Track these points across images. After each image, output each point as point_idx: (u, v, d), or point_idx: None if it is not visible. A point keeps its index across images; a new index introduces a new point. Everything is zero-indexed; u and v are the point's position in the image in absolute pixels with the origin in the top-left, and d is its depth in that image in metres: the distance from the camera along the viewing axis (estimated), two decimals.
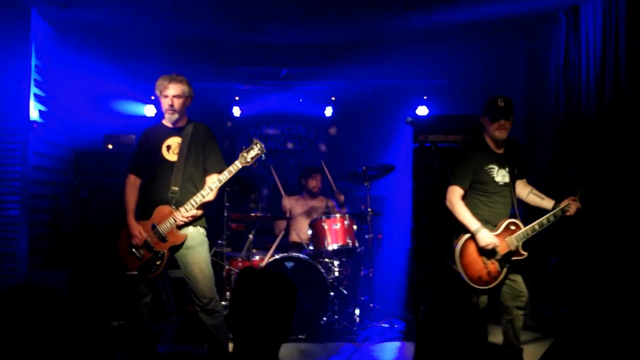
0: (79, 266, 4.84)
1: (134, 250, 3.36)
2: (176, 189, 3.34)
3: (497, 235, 3.30)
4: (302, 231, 5.18)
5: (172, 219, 3.30)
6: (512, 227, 3.33)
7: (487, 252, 3.27)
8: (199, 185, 3.39)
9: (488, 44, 5.65)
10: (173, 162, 3.38)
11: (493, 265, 3.28)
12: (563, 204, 3.32)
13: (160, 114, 3.69)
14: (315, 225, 4.75)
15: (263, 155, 3.33)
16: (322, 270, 4.42)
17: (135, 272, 3.34)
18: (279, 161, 6.72)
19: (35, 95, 4.80)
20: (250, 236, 4.65)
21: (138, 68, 5.87)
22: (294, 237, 5.32)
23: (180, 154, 3.39)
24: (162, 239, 3.32)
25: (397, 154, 6.03)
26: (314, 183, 5.35)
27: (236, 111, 6.48)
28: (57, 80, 5.20)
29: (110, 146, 5.28)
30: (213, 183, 3.30)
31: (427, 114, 6.22)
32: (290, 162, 6.75)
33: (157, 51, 5.48)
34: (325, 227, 4.61)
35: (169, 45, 5.54)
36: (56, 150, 5.29)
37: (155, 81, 3.43)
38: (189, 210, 3.28)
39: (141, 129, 3.64)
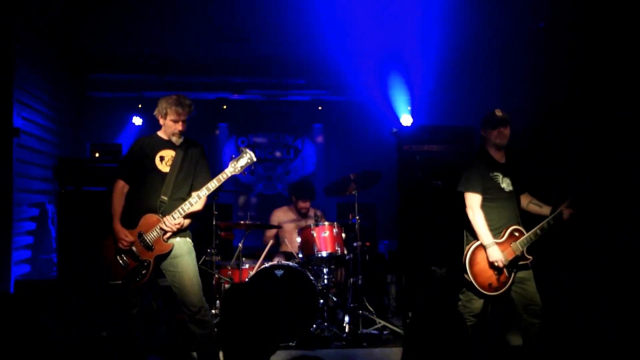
0: (65, 275, 4.77)
1: (119, 258, 3.33)
2: (165, 198, 3.35)
3: (503, 242, 3.39)
4: (292, 240, 5.18)
5: (159, 228, 3.30)
6: (516, 234, 3.43)
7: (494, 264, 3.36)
8: (187, 200, 3.38)
9: None
10: (165, 173, 3.39)
11: (502, 271, 3.36)
12: (558, 210, 3.47)
13: (147, 124, 3.67)
14: (304, 232, 4.76)
15: (253, 165, 3.37)
16: (312, 278, 4.43)
17: (120, 282, 3.31)
18: (267, 169, 6.73)
19: (17, 101, 4.73)
20: (240, 244, 4.64)
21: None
22: (284, 247, 5.31)
23: (172, 166, 3.40)
24: (149, 247, 3.31)
25: (384, 163, 6.08)
26: (302, 205, 5.30)
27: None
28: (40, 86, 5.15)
29: (96, 154, 5.23)
30: (201, 191, 3.32)
31: (411, 125, 6.30)
32: (278, 170, 6.77)
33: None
34: (314, 234, 4.63)
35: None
36: (40, 157, 5.22)
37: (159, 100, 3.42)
38: (177, 217, 3.29)
39: (128, 137, 3.63)
